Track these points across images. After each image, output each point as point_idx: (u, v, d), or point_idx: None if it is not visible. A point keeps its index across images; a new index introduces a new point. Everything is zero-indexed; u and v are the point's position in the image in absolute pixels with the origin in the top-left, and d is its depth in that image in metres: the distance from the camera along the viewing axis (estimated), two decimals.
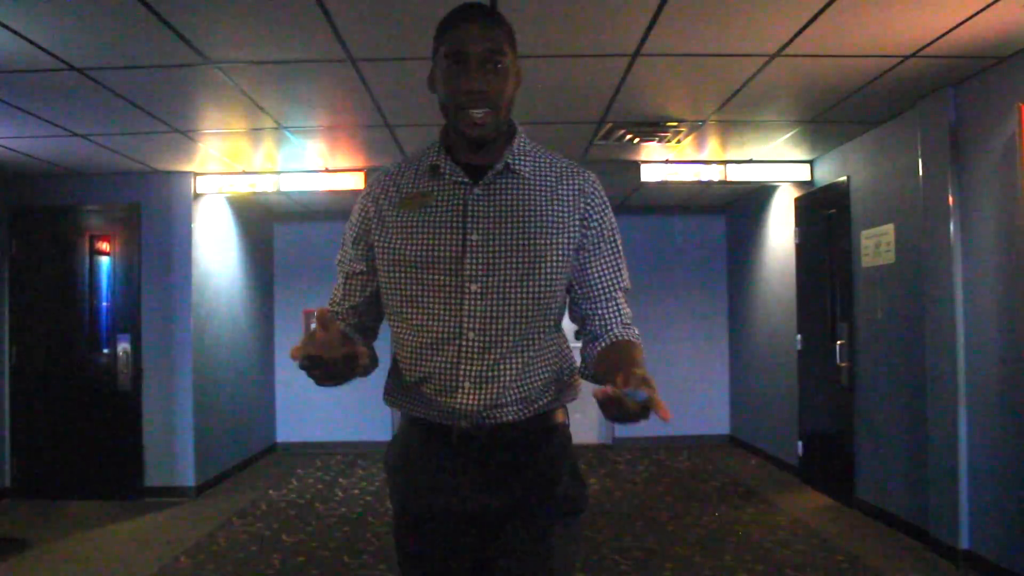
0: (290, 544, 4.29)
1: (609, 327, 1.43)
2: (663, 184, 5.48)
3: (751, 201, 6.67)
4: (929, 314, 3.90)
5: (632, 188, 6.27)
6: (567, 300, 1.49)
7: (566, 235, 1.39)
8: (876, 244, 4.54)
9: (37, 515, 4.92)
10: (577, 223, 1.40)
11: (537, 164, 1.42)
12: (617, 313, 1.44)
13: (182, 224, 5.47)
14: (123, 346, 5.40)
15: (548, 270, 1.36)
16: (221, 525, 4.67)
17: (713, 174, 5.39)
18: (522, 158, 1.40)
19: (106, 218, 5.50)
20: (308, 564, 3.95)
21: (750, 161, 5.42)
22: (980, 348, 3.59)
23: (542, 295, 1.37)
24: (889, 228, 4.40)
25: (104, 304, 5.48)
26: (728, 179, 5.41)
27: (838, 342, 4.94)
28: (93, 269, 5.46)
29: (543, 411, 1.43)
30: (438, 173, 1.39)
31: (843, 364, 4.89)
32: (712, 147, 5.06)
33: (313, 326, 1.14)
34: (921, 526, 4.04)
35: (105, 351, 5.43)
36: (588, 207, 1.42)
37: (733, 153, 5.23)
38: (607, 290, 1.44)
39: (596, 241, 1.43)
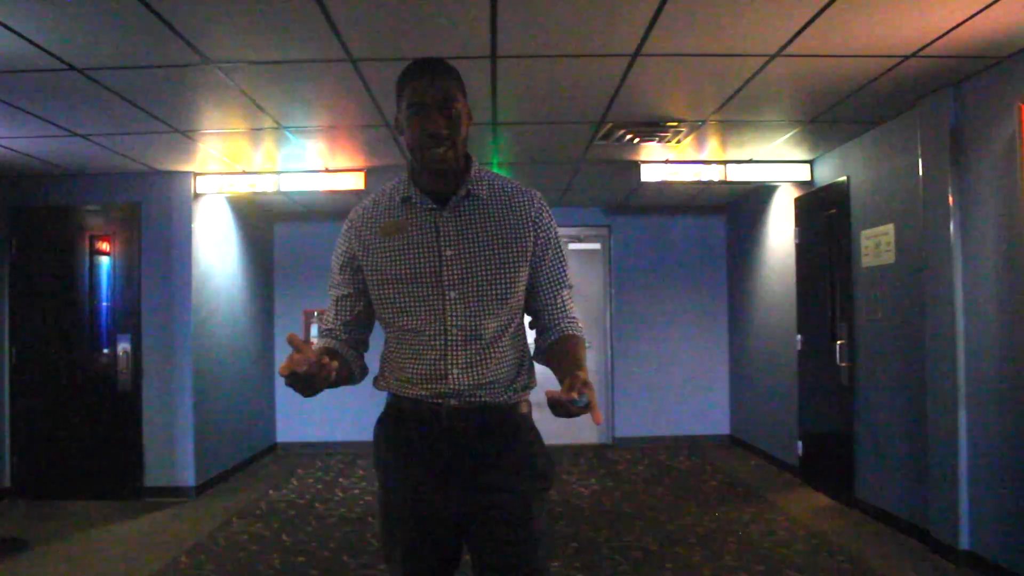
0: (290, 544, 4.30)
1: (556, 320, 1.71)
2: (663, 184, 5.48)
3: (751, 201, 6.67)
4: (929, 314, 3.90)
5: (632, 188, 6.28)
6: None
7: (523, 243, 1.65)
8: (876, 244, 4.54)
9: (37, 515, 4.92)
10: (531, 231, 1.66)
11: (491, 187, 1.68)
12: (563, 308, 1.72)
13: (182, 224, 5.47)
14: (123, 346, 5.41)
15: (511, 272, 1.63)
16: (221, 525, 4.67)
17: (713, 174, 5.39)
18: (479, 183, 1.65)
19: (106, 218, 5.50)
20: (308, 564, 3.95)
21: (750, 161, 5.42)
22: (980, 348, 3.60)
23: (509, 293, 1.63)
24: (889, 228, 4.41)
25: (104, 304, 5.48)
26: (728, 179, 5.41)
27: (838, 342, 4.94)
28: (93, 269, 5.46)
29: (515, 400, 1.66)
30: (410, 203, 1.64)
31: (843, 364, 4.89)
32: (712, 147, 5.06)
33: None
34: (921, 526, 4.04)
35: (105, 351, 5.43)
36: (537, 218, 1.68)
37: (733, 153, 5.23)
38: (553, 288, 1.71)
39: (543, 248, 1.69)
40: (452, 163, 1.59)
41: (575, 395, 1.33)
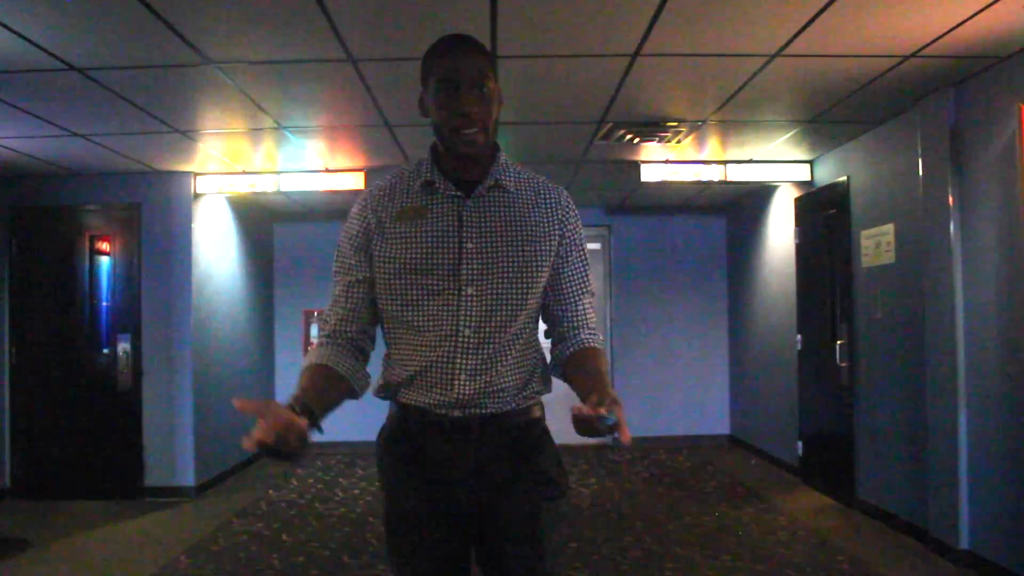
0: (290, 544, 4.30)
1: (576, 330, 1.59)
2: (663, 184, 5.48)
3: (751, 201, 6.67)
4: (929, 314, 3.90)
5: (632, 188, 6.28)
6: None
7: (548, 242, 1.54)
8: (876, 244, 4.54)
9: (37, 515, 4.92)
10: (557, 231, 1.56)
11: (519, 179, 1.57)
12: (583, 317, 1.60)
13: (182, 224, 5.47)
14: (123, 346, 5.40)
15: (534, 273, 1.52)
16: (221, 525, 4.67)
17: (713, 174, 5.39)
18: (507, 174, 1.55)
19: (106, 218, 5.50)
20: (308, 564, 3.95)
21: (750, 161, 5.42)
22: (980, 348, 3.60)
23: (529, 296, 1.52)
24: (889, 228, 4.41)
25: (104, 304, 5.48)
26: (728, 179, 5.41)
27: (838, 342, 4.94)
28: (93, 269, 5.46)
29: (525, 406, 1.56)
30: (433, 188, 1.52)
31: (843, 364, 4.89)
32: (712, 147, 5.06)
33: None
34: (921, 526, 4.04)
35: (105, 351, 5.43)
36: (564, 218, 1.58)
37: (733, 153, 5.23)
38: (575, 295, 1.60)
39: (568, 249, 1.58)
40: (482, 146, 1.46)
41: (603, 411, 1.23)
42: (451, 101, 1.42)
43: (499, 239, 1.49)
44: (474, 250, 1.47)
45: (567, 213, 1.58)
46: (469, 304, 1.47)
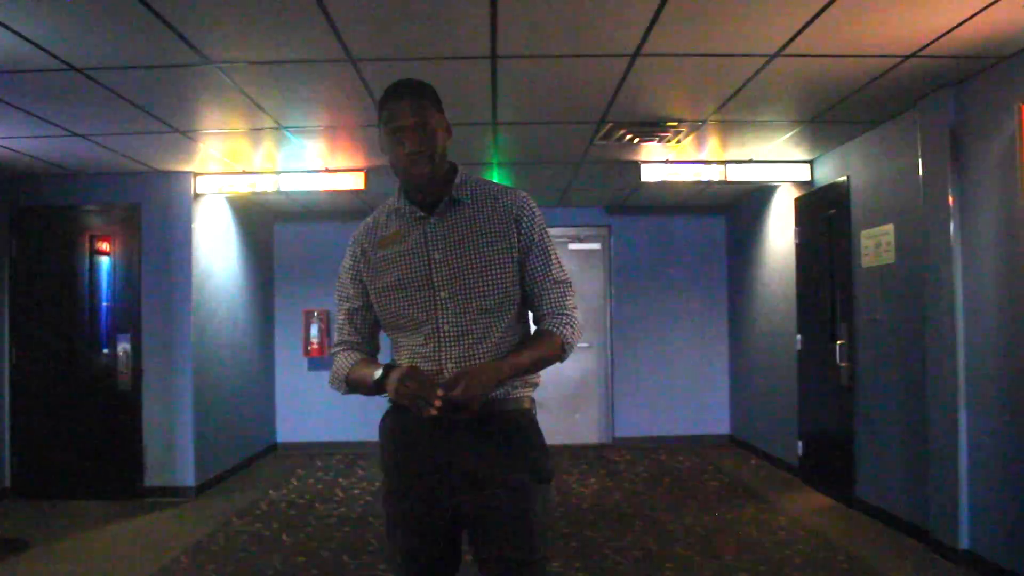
0: (290, 544, 4.30)
1: (543, 317, 1.79)
2: (663, 184, 5.48)
3: (751, 201, 6.67)
4: (929, 314, 3.90)
5: (632, 188, 6.28)
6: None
7: (506, 241, 1.75)
8: (876, 244, 4.54)
9: (37, 515, 4.92)
10: (515, 229, 1.76)
11: (475, 192, 1.79)
12: (550, 303, 1.78)
13: (182, 224, 5.47)
14: (123, 346, 5.40)
15: (498, 268, 1.73)
16: (221, 525, 4.67)
17: (713, 174, 5.39)
18: (463, 190, 1.77)
19: (106, 218, 5.50)
20: (308, 564, 3.95)
21: (750, 161, 5.42)
22: (980, 348, 3.60)
23: (496, 290, 1.72)
24: (889, 228, 4.41)
25: (104, 304, 5.48)
26: (728, 179, 5.41)
27: (838, 342, 4.94)
28: (93, 269, 5.46)
29: (513, 396, 1.75)
30: (401, 213, 1.79)
31: (843, 364, 4.89)
32: (712, 147, 5.06)
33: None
34: (921, 526, 4.04)
35: (105, 351, 5.43)
36: (519, 216, 1.77)
37: (733, 153, 5.23)
38: (539, 283, 1.78)
39: (528, 244, 1.77)
40: (429, 176, 1.70)
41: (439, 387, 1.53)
42: (399, 145, 1.68)
43: (462, 246, 1.72)
44: (441, 259, 1.72)
45: (521, 212, 1.77)
46: (444, 305, 1.71)
